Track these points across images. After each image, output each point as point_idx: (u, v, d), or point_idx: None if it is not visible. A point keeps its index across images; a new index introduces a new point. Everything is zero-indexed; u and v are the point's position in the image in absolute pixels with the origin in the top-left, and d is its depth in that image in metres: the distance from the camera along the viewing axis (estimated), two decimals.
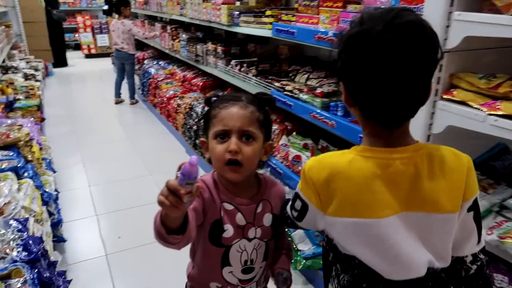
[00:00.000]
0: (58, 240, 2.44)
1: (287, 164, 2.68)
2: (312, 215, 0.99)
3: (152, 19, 6.54)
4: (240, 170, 1.12)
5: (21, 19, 7.62)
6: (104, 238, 2.73)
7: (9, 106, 4.12)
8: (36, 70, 6.44)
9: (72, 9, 11.34)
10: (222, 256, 1.17)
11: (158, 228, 0.91)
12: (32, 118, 3.92)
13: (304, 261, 2.27)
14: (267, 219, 1.21)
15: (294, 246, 2.33)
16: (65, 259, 2.44)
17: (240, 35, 3.95)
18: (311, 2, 2.44)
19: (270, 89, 2.81)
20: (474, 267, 0.99)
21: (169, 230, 0.91)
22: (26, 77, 5.55)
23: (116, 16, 6.05)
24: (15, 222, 1.68)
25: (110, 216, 3.01)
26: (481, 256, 1.00)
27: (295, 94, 2.57)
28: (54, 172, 3.26)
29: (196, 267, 1.25)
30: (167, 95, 4.76)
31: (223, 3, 3.32)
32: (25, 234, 1.60)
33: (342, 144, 2.60)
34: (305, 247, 2.36)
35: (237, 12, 3.15)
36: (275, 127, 2.99)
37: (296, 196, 1.03)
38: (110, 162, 4.05)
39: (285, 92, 2.63)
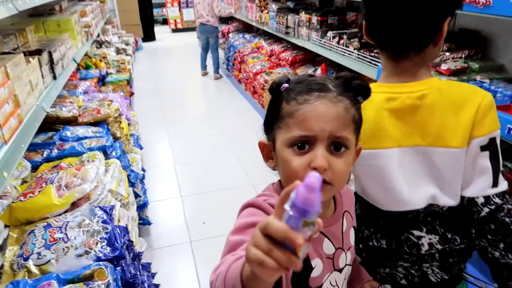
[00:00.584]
0: (144, 223, 2.35)
1: None
2: None
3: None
4: (326, 189, 0.78)
5: None
6: (189, 222, 2.59)
7: (102, 80, 4.18)
8: (127, 44, 6.59)
9: None
10: None
11: None
12: (122, 93, 3.93)
13: None
14: (352, 235, 0.94)
15: None
16: (150, 243, 2.34)
17: (338, 3, 3.51)
18: None
19: (376, 65, 2.39)
20: (486, 209, 0.94)
21: None
22: (118, 51, 5.67)
23: None
24: (100, 211, 1.54)
25: (194, 199, 2.88)
26: (497, 200, 0.93)
27: None
28: (141, 148, 3.21)
29: None
30: (254, 71, 4.51)
31: None
32: (109, 226, 1.45)
33: None
34: None
35: None
36: None
37: None
38: (195, 140, 3.94)
39: None
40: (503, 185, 0.95)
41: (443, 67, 1.97)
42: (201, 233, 2.48)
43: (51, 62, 2.42)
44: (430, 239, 1.04)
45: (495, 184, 0.94)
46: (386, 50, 0.98)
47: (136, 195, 2.30)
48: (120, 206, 1.90)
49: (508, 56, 2.06)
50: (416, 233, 1.04)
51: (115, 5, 7.85)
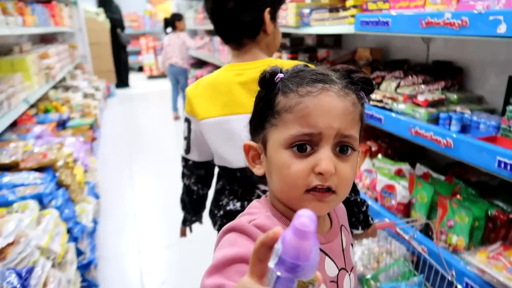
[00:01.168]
0: (89, 285, 2.00)
1: (374, 195, 2.05)
2: (194, 129, 1.27)
3: (212, 34, 6.26)
4: (329, 199, 0.66)
5: (87, 41, 7.74)
6: (145, 282, 2.25)
7: (62, 125, 3.92)
8: (97, 90, 6.38)
9: (136, 32, 11.57)
10: None
11: None
12: (82, 138, 3.66)
13: None
14: (353, 255, 0.83)
15: None
16: None
17: (310, 41, 3.42)
18: None
19: None
20: None
21: None
22: (85, 96, 5.44)
23: (171, 31, 5.92)
24: (14, 274, 1.23)
25: (155, 253, 2.55)
26: None
27: (387, 104, 1.96)
28: (98, 198, 2.90)
29: None
30: None
31: (291, 1, 2.81)
32: None
33: (443, 168, 1.93)
34: None
35: (308, 10, 2.62)
36: None
37: (184, 122, 1.30)
38: (161, 189, 3.63)
39: (372, 102, 2.03)
40: None
41: (420, 98, 1.81)
42: None
43: None
44: None
45: None
46: (227, 43, 1.28)
47: (80, 252, 1.97)
48: (53, 266, 1.59)
49: (486, 87, 1.92)
50: (263, 187, 1.24)
51: (87, 51, 7.72)
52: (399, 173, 2.01)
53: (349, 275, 0.78)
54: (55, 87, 5.07)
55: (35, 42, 5.25)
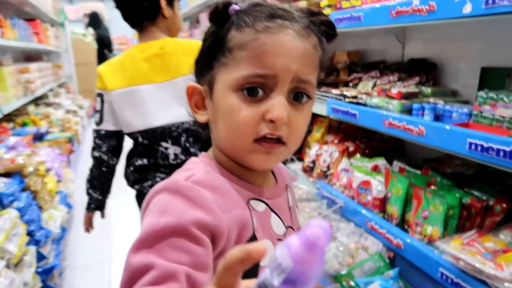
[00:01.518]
0: None
1: (350, 193, 1.99)
2: (106, 100, 1.48)
3: None
4: (278, 151, 0.61)
5: (73, 61, 7.74)
6: None
7: (39, 138, 3.83)
8: (81, 108, 6.33)
9: None
10: None
11: None
12: (59, 150, 3.58)
13: None
14: (298, 216, 0.79)
15: None
16: None
17: None
18: None
19: (326, 99, 2.19)
20: None
21: None
22: (67, 112, 5.38)
23: None
24: None
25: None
26: None
27: (361, 99, 1.93)
28: (70, 207, 2.79)
29: None
30: None
31: None
32: None
33: (420, 164, 1.89)
34: None
35: None
36: (332, 148, 2.34)
37: (97, 97, 1.51)
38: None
39: (347, 99, 2.00)
40: None
41: (394, 91, 1.78)
42: None
43: None
44: (174, 150, 1.47)
45: None
46: (133, 27, 1.54)
47: (42, 257, 1.86)
48: (7, 267, 1.49)
49: (459, 81, 1.91)
50: (164, 144, 1.45)
51: (72, 70, 7.70)
52: (375, 169, 1.97)
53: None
54: (37, 104, 5.01)
55: (18, 60, 5.21)
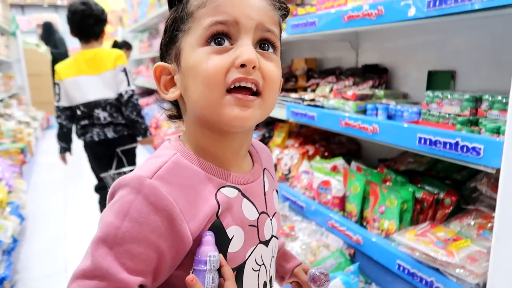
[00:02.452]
0: None
1: (311, 194, 2.04)
2: (62, 87, 2.40)
3: (155, 61, 6.21)
4: (255, 104, 0.58)
5: (26, 72, 7.43)
6: None
7: None
8: (34, 119, 6.06)
9: None
10: None
11: None
12: (10, 161, 3.41)
13: None
14: (275, 200, 0.76)
15: None
16: None
17: None
18: None
19: (285, 103, 2.25)
20: (126, 97, 2.37)
21: None
22: (19, 123, 5.14)
23: None
24: None
25: None
26: (130, 92, 2.38)
27: (319, 102, 2.00)
28: (22, 218, 2.66)
29: None
30: (168, 132, 4.24)
31: None
32: None
33: (376, 164, 1.98)
34: None
35: None
36: (293, 152, 2.38)
37: (56, 86, 2.43)
38: (96, 211, 3.41)
39: (305, 102, 2.06)
40: (132, 86, 2.40)
41: (349, 93, 1.86)
42: None
43: None
44: (104, 114, 2.38)
45: (128, 85, 2.38)
46: (80, 41, 2.41)
47: None
48: None
49: (409, 84, 2.02)
50: (97, 111, 2.37)
51: (25, 82, 7.38)
52: (334, 169, 2.03)
53: (271, 220, 0.71)
54: None
55: None
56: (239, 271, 0.63)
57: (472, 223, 1.43)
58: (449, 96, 1.45)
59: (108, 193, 0.60)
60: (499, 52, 1.57)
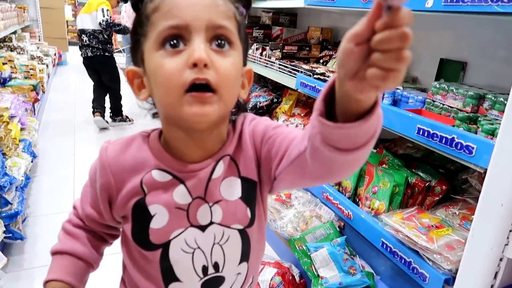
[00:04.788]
0: (14, 237, 1.93)
1: None
2: None
3: None
4: (212, 100, 0.60)
5: (39, 4, 7.33)
6: None
7: (2, 83, 3.71)
8: (46, 55, 6.08)
9: None
10: (160, 264, 0.68)
11: None
12: (23, 97, 3.49)
13: None
14: (232, 187, 0.70)
15: (314, 271, 1.76)
16: (20, 262, 1.93)
17: (266, 18, 3.44)
18: None
19: (296, 73, 2.27)
20: (103, 24, 4.09)
21: None
22: (32, 58, 5.17)
23: None
24: None
25: None
26: (103, 23, 4.01)
27: (328, 77, 2.03)
28: (34, 156, 2.79)
29: None
30: None
31: None
32: None
33: (377, 143, 2.05)
34: (328, 273, 1.78)
35: None
36: (298, 121, 2.44)
37: None
38: None
39: (315, 76, 2.09)
40: (105, 18, 4.05)
41: None
42: None
43: None
44: (85, 39, 4.05)
45: (102, 17, 4.04)
46: None
47: (7, 202, 1.90)
48: None
49: (421, 69, 2.04)
50: (83, 36, 4.05)
51: (38, 15, 7.31)
52: None
53: (210, 207, 0.69)
54: None
55: None
56: (164, 248, 0.68)
57: (457, 212, 1.52)
58: (454, 90, 1.48)
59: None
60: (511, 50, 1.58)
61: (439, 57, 1.85)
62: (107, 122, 4.27)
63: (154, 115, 0.74)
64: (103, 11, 3.96)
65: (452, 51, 1.83)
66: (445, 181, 1.63)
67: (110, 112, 4.41)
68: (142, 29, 0.63)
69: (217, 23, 0.60)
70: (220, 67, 0.60)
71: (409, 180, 1.64)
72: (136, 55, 0.67)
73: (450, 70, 1.81)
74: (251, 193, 0.71)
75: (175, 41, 0.59)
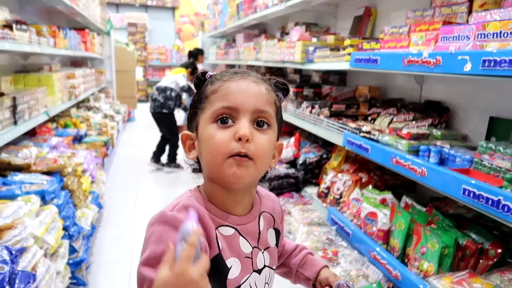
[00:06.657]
0: (78, 283, 2.10)
1: (358, 223, 2.12)
2: None
3: (230, 68, 6.54)
4: (248, 165, 0.77)
5: (114, 68, 8.19)
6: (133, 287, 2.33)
7: (79, 139, 4.13)
8: (118, 112, 6.68)
9: (163, 64, 12.18)
10: None
11: None
12: (95, 153, 3.85)
13: None
14: (271, 237, 0.92)
15: None
16: None
17: (316, 77, 3.60)
18: (399, 29, 2.00)
19: (343, 131, 2.34)
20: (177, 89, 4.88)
21: None
22: (105, 116, 5.71)
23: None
24: (5, 250, 1.35)
25: None
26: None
27: (374, 135, 2.07)
28: (100, 207, 3.03)
29: None
30: None
31: (298, 40, 3.02)
32: (7, 267, 1.25)
33: (427, 201, 2.00)
34: None
35: (312, 48, 2.81)
36: (346, 177, 2.47)
37: None
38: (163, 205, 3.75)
39: (362, 134, 2.14)
40: (179, 85, 4.92)
41: (404, 131, 1.91)
42: None
43: (14, 107, 2.39)
44: (156, 94, 4.91)
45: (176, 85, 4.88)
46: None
47: (73, 250, 2.09)
48: (45, 255, 1.70)
49: (470, 127, 2.02)
50: (154, 89, 4.90)
51: (113, 77, 8.14)
52: (383, 202, 2.09)
53: (263, 252, 0.87)
54: (78, 106, 5.37)
55: (65, 64, 5.62)
56: None
57: None
58: (501, 150, 1.46)
59: (147, 227, 0.81)
60: None
61: (489, 115, 1.84)
62: (163, 165, 4.93)
63: (194, 170, 0.91)
64: (176, 81, 4.81)
65: (502, 109, 1.81)
66: (499, 243, 1.56)
67: (167, 158, 4.98)
68: (201, 104, 0.83)
69: (260, 109, 0.79)
70: (258, 141, 0.77)
71: (460, 242, 1.59)
72: (192, 122, 0.86)
73: (500, 129, 1.79)
74: (278, 240, 0.93)
75: (226, 118, 0.77)
